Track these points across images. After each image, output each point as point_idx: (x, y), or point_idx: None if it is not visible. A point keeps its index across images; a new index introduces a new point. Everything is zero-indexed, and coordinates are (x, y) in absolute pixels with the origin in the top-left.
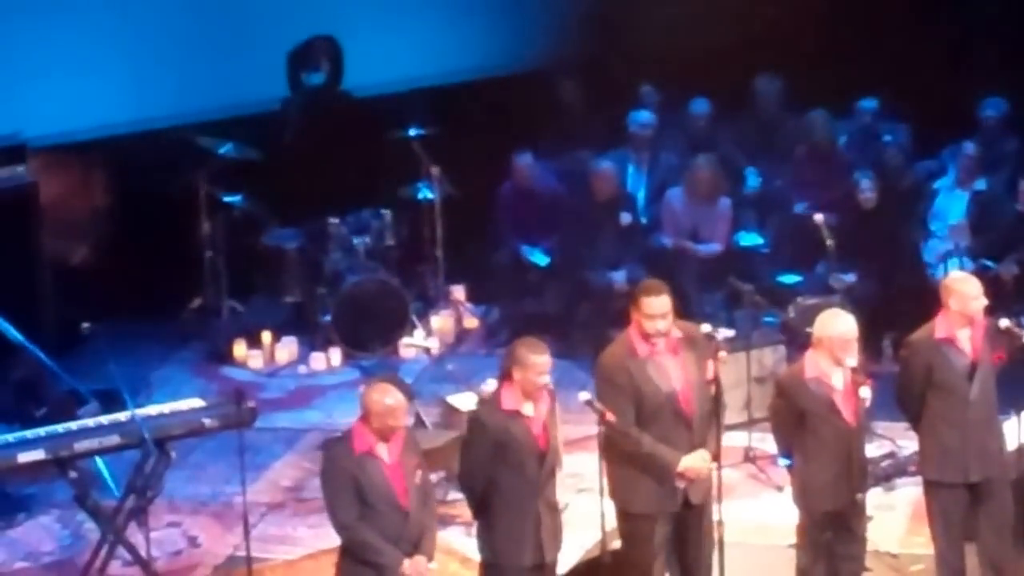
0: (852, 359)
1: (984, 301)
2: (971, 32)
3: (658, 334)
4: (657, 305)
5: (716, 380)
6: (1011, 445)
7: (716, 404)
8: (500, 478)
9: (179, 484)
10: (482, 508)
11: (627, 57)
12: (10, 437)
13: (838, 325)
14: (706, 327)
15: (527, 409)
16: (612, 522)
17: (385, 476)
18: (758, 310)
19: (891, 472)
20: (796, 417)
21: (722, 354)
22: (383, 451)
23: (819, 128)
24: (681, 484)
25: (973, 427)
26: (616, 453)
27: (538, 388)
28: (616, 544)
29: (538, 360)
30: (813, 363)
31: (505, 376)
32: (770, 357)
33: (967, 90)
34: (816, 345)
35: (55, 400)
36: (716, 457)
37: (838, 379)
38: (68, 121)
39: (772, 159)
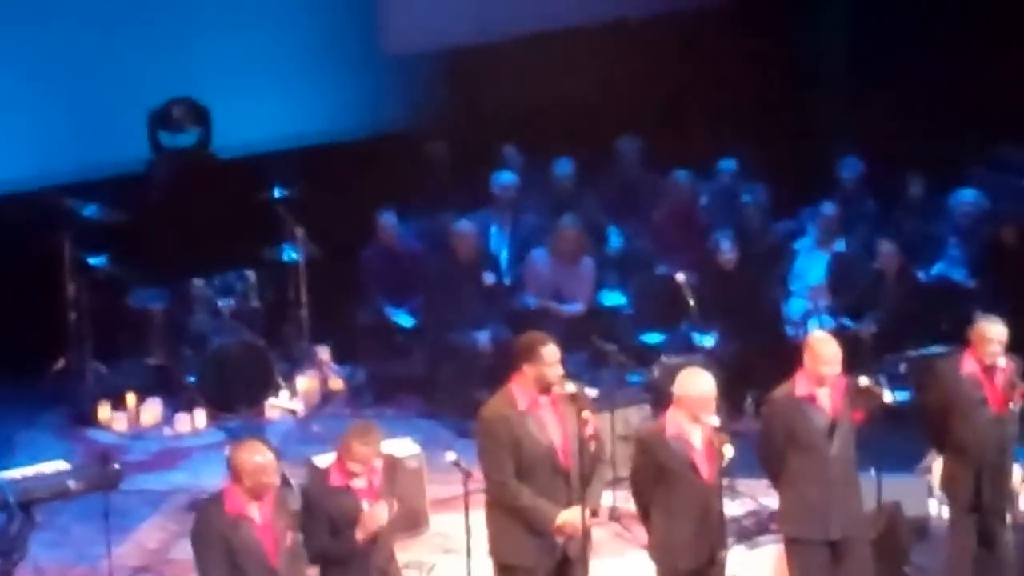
0: (713, 418)
1: (837, 368)
2: (828, 94)
3: (559, 381)
4: (555, 351)
5: (596, 436)
6: (870, 504)
7: (596, 460)
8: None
9: (44, 548)
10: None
11: (489, 118)
12: None
13: (697, 384)
14: (571, 386)
15: (357, 481)
16: None
17: (256, 537)
18: (622, 369)
19: (753, 530)
20: (655, 473)
21: (586, 413)
22: (255, 512)
23: (680, 189)
24: (559, 539)
25: (834, 485)
26: (495, 507)
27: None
28: None
29: (360, 450)
30: (673, 421)
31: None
32: (635, 416)
33: (824, 151)
34: (676, 403)
35: None
36: (595, 513)
37: (697, 437)
38: None
39: (634, 219)
